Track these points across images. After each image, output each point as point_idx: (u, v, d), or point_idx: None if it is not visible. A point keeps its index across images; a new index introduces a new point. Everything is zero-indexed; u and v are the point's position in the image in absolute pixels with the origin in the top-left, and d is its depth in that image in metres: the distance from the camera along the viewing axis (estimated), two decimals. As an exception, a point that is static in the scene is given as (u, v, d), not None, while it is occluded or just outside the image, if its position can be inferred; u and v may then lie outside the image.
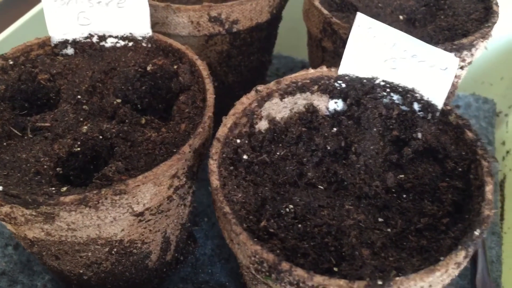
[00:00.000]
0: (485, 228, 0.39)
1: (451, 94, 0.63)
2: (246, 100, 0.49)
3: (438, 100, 0.48)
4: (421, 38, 0.61)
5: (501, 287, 0.60)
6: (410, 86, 0.49)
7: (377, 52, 0.49)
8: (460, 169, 0.45)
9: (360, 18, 0.48)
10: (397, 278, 0.36)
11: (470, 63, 0.58)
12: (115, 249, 0.48)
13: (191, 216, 0.63)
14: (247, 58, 0.68)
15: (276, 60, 0.92)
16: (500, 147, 0.81)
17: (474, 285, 0.51)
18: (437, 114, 0.48)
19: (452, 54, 0.45)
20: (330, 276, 0.36)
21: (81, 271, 0.50)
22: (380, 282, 0.35)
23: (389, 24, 0.64)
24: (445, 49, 0.54)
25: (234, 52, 0.65)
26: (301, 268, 0.37)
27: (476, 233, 0.38)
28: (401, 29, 0.63)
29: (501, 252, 0.63)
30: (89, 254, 0.48)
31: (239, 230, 0.39)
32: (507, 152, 0.79)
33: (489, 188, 0.41)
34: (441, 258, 0.37)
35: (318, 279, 0.36)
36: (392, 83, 0.50)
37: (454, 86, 0.62)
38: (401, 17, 0.66)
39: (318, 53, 0.64)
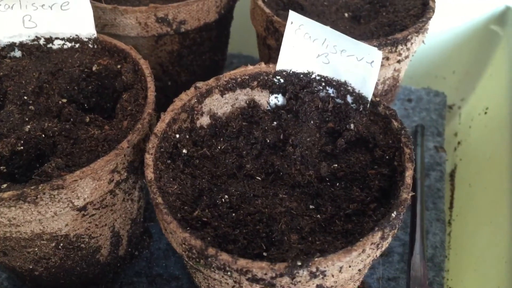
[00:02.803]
0: (402, 210, 0.41)
1: (393, 87, 0.66)
2: (185, 97, 0.51)
3: (368, 92, 0.50)
4: (364, 34, 0.63)
5: (444, 271, 0.62)
6: (342, 80, 0.51)
7: (311, 48, 0.51)
8: (387, 157, 0.47)
9: (292, 16, 0.50)
10: (316, 259, 0.38)
11: (407, 57, 0.60)
12: (61, 244, 0.50)
13: (146, 212, 0.65)
14: (198, 58, 0.70)
15: (236, 59, 0.94)
16: (453, 138, 0.84)
17: (408, 267, 0.53)
18: (368, 105, 0.50)
19: (375, 48, 0.47)
20: (253, 259, 0.38)
21: (31, 267, 0.52)
22: (299, 263, 0.37)
23: (333, 21, 0.67)
24: (380, 44, 0.57)
25: (184, 52, 0.67)
26: (228, 253, 0.39)
27: (393, 215, 0.40)
28: (345, 26, 0.66)
29: (445, 238, 0.65)
30: (36, 249, 0.49)
31: (170, 219, 0.40)
32: (459, 143, 0.82)
33: (408, 173, 0.43)
34: (361, 239, 0.39)
35: (242, 262, 0.38)
36: (326, 77, 0.52)
37: (395, 80, 0.65)
38: (346, 14, 0.68)
39: (265, 51, 0.66)
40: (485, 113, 0.77)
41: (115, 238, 0.55)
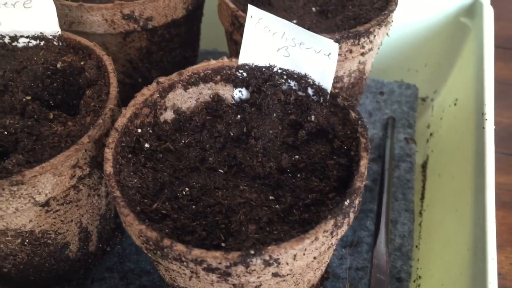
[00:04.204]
0: (355, 198, 0.42)
1: (359, 80, 0.66)
2: (147, 92, 0.51)
3: (327, 84, 0.51)
4: (329, 27, 0.64)
5: (411, 260, 0.63)
6: (303, 72, 0.52)
7: (271, 41, 0.52)
8: (345, 147, 0.48)
9: (251, 10, 0.51)
10: (269, 247, 0.38)
11: (371, 49, 0.61)
12: (27, 240, 0.50)
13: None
14: (168, 54, 0.70)
15: (211, 56, 0.93)
16: (425, 130, 0.85)
17: (372, 256, 0.54)
18: (328, 97, 0.51)
19: (331, 40, 0.48)
20: (208, 249, 0.39)
21: (-2, 264, 0.52)
22: (252, 252, 0.38)
23: (300, 16, 0.67)
24: (342, 37, 0.57)
25: (153, 48, 0.68)
26: (184, 244, 0.39)
27: (346, 203, 0.41)
28: (312, 21, 0.67)
29: (413, 227, 0.66)
30: (2, 246, 0.50)
31: (127, 212, 0.41)
32: (431, 134, 0.83)
33: (363, 162, 0.44)
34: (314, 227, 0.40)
35: (196, 252, 0.38)
36: (288, 70, 0.53)
37: (361, 73, 0.65)
38: (313, 9, 0.69)
39: (232, 46, 0.67)
40: (455, 104, 0.78)
41: (83, 234, 0.55)
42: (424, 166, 0.79)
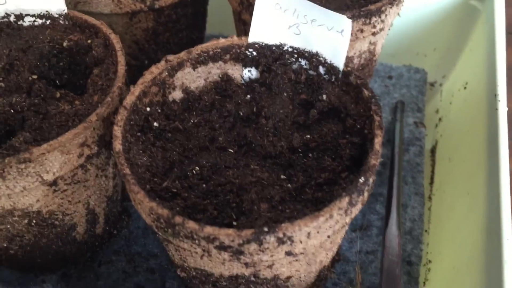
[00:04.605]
0: (369, 175, 0.41)
1: (369, 61, 0.65)
2: (155, 70, 0.50)
3: (339, 62, 0.50)
4: (339, 7, 0.63)
5: (422, 244, 0.63)
6: (314, 51, 0.51)
7: (281, 19, 0.51)
8: (358, 126, 0.47)
9: (262, -14, 0.50)
10: (283, 225, 0.38)
11: (382, 29, 0.60)
12: (34, 221, 0.49)
13: (124, 192, 0.64)
14: (175, 35, 0.69)
15: (217, 40, 0.93)
16: (434, 115, 0.84)
17: (384, 238, 0.54)
18: (340, 75, 0.50)
19: (344, 16, 0.47)
20: (220, 226, 0.38)
21: (5, 245, 0.52)
22: (266, 229, 0.37)
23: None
24: (353, 15, 0.56)
25: (160, 29, 0.67)
26: (195, 221, 0.38)
27: (361, 180, 0.40)
28: (321, 1, 0.65)
29: (423, 211, 0.65)
30: (8, 226, 0.49)
31: (137, 189, 0.40)
32: (440, 119, 0.82)
33: (378, 140, 0.43)
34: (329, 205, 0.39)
35: (208, 229, 0.38)
36: (298, 48, 0.52)
37: (372, 54, 0.64)
38: (322, -11, 0.68)
39: (240, 27, 0.65)
40: (465, 88, 0.77)
41: (90, 215, 0.55)
42: (433, 151, 0.78)
